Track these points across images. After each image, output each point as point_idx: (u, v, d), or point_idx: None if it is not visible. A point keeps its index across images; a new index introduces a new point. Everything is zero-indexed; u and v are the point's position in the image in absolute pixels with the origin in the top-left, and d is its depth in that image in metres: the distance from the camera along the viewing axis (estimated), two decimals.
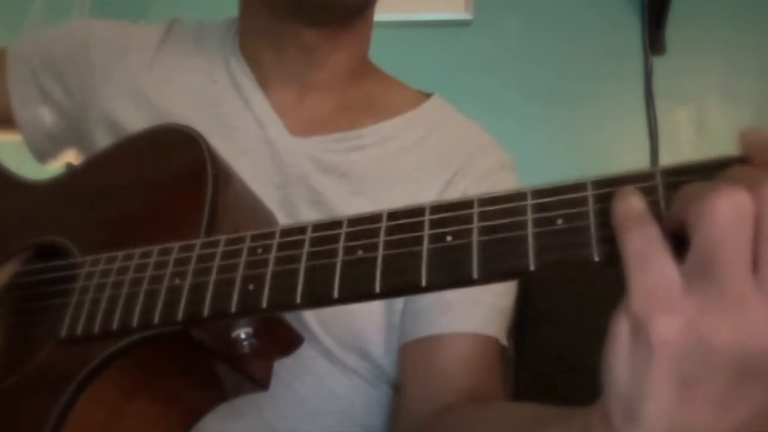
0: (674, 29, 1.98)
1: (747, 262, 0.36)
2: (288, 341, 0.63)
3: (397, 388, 0.77)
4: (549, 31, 2.02)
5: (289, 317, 0.63)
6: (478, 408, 0.69)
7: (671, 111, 1.97)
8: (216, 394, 0.62)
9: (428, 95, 0.89)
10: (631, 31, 2.01)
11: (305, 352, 0.70)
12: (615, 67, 1.99)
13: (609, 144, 1.96)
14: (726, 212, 0.35)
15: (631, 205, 0.39)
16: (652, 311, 0.37)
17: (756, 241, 0.36)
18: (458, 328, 0.74)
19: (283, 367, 0.67)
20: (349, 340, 0.74)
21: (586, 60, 1.99)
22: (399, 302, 0.76)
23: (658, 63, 1.98)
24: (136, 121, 0.79)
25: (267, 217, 0.68)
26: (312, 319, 0.72)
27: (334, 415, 0.75)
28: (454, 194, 0.78)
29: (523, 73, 1.99)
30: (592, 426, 0.42)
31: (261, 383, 0.61)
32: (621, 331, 0.39)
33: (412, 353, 0.76)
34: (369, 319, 0.75)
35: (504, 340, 0.78)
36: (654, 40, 1.99)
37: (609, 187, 0.42)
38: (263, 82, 0.83)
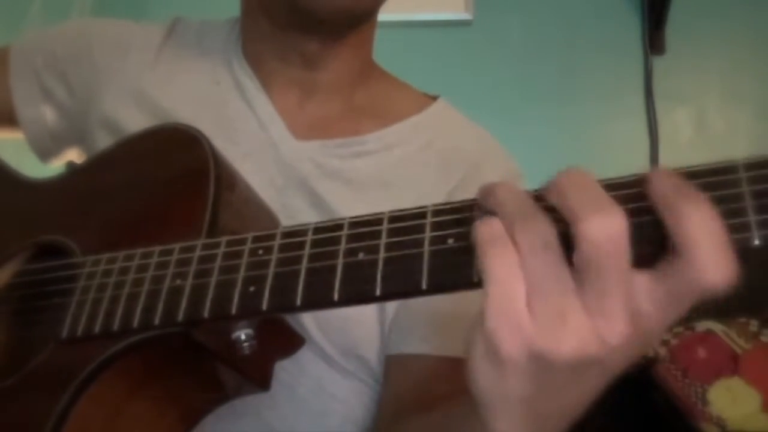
0: (674, 29, 1.98)
1: (568, 284, 0.40)
2: (289, 343, 0.63)
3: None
4: (549, 31, 2.02)
5: (289, 321, 0.63)
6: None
7: (671, 111, 1.97)
8: (216, 395, 0.62)
9: (434, 98, 0.89)
10: (631, 31, 2.02)
11: (305, 354, 0.70)
12: (615, 67, 1.99)
13: (609, 144, 1.96)
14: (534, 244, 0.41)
15: (492, 228, 0.42)
16: (501, 331, 0.41)
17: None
18: (444, 351, 0.74)
19: (282, 369, 0.67)
20: (347, 345, 0.74)
21: (586, 60, 1.99)
22: (390, 312, 0.75)
23: (658, 63, 1.99)
24: (137, 121, 0.79)
25: (269, 218, 0.68)
26: (311, 324, 0.72)
27: (333, 416, 0.75)
28: None
29: (523, 73, 1.99)
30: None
31: (262, 384, 0.61)
32: (477, 345, 0.43)
33: (395, 367, 0.75)
34: (365, 327, 0.75)
35: None
36: (654, 40, 1.99)
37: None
38: (266, 84, 0.83)
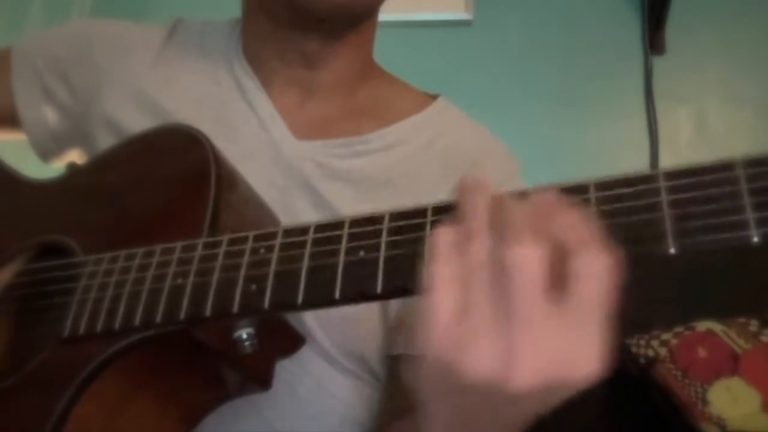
0: (674, 29, 1.98)
1: (497, 308, 0.41)
2: (290, 342, 0.64)
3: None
4: (549, 31, 2.02)
5: (290, 319, 0.63)
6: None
7: (671, 111, 1.97)
8: (218, 393, 0.62)
9: (434, 97, 0.89)
10: (631, 31, 2.02)
11: (306, 353, 0.70)
12: (615, 67, 1.99)
13: (609, 144, 1.96)
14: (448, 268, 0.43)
15: (445, 237, 0.44)
16: (425, 337, 0.43)
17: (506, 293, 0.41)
18: None
19: (283, 368, 0.67)
20: (349, 345, 0.74)
21: (586, 60, 1.99)
22: (394, 312, 0.75)
23: (658, 63, 1.99)
24: (138, 122, 0.79)
25: (270, 218, 0.68)
26: (313, 322, 0.72)
27: (334, 416, 0.75)
28: None
29: (523, 73, 1.99)
30: None
31: (263, 383, 0.61)
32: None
33: (395, 368, 0.75)
34: (367, 326, 0.75)
35: None
36: (654, 40, 1.99)
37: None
38: (267, 84, 0.83)
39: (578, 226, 0.42)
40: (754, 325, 1.48)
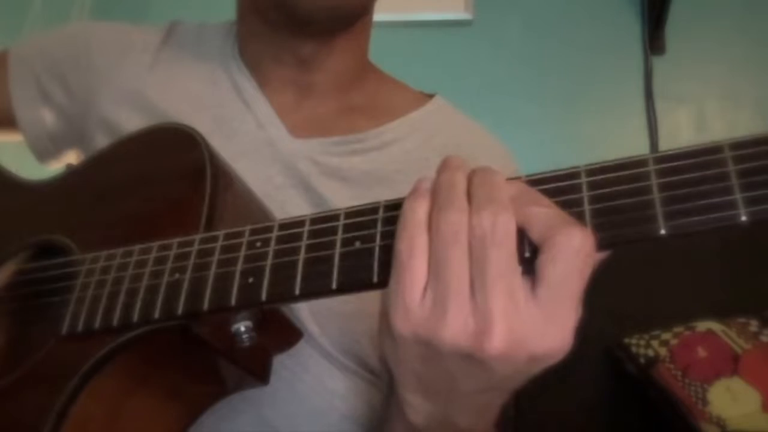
0: (674, 29, 1.99)
1: (465, 274, 0.42)
2: (287, 336, 0.64)
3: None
4: (549, 31, 2.02)
5: (288, 314, 0.63)
6: None
7: (671, 111, 1.97)
8: (216, 388, 0.63)
9: (430, 96, 0.89)
10: (631, 31, 2.02)
11: (305, 351, 0.71)
12: (615, 67, 1.99)
13: (609, 144, 1.96)
14: (446, 230, 0.43)
15: (414, 212, 0.45)
16: (395, 311, 0.44)
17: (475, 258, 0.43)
18: None
19: (282, 365, 0.67)
20: (347, 343, 0.74)
21: (586, 60, 1.99)
22: None
23: (658, 63, 1.99)
24: (135, 123, 0.79)
25: (266, 216, 0.68)
26: (311, 320, 0.72)
27: (334, 414, 0.75)
28: None
29: (523, 73, 2.00)
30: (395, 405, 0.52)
31: (261, 378, 0.61)
32: (382, 319, 0.46)
33: None
34: (366, 324, 0.75)
35: None
36: (654, 40, 1.99)
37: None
38: (263, 84, 0.83)
39: (551, 209, 0.43)
40: (754, 325, 1.48)
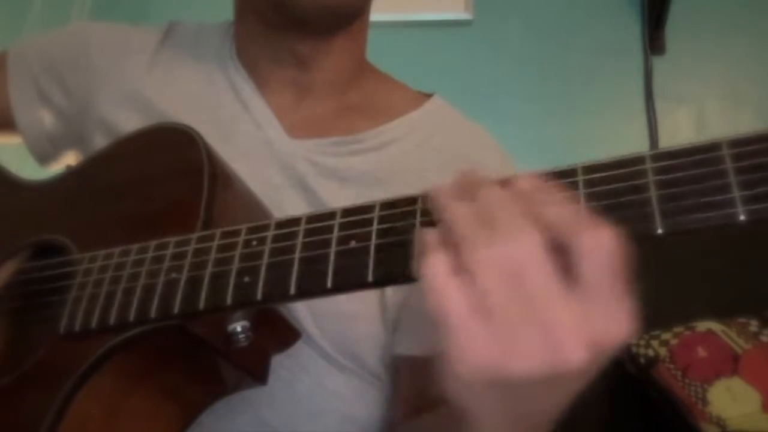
0: (674, 29, 1.99)
1: (518, 304, 0.41)
2: (285, 336, 0.64)
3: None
4: (549, 32, 2.02)
5: (285, 315, 0.63)
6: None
7: (671, 111, 1.97)
8: (214, 388, 0.63)
9: (428, 95, 0.89)
10: (631, 31, 2.02)
11: (303, 351, 0.71)
12: (615, 68, 1.99)
13: (609, 144, 1.96)
14: (488, 267, 0.41)
15: (431, 269, 0.43)
16: (460, 365, 0.42)
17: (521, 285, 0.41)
18: None
19: (281, 366, 0.67)
20: (345, 344, 0.74)
21: (586, 60, 1.99)
22: (394, 310, 0.75)
23: (658, 63, 1.99)
24: (133, 123, 0.79)
25: (265, 216, 0.68)
26: (309, 321, 0.72)
27: (333, 414, 0.74)
28: None
29: (523, 73, 2.00)
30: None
31: (259, 378, 0.61)
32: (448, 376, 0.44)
33: (401, 367, 0.75)
34: (365, 325, 0.75)
35: None
36: (654, 40, 1.99)
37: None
38: (261, 85, 0.83)
39: (568, 207, 0.42)
40: (754, 325, 1.48)
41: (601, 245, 0.40)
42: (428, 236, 0.44)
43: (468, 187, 0.45)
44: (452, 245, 0.43)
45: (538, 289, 0.41)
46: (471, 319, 0.42)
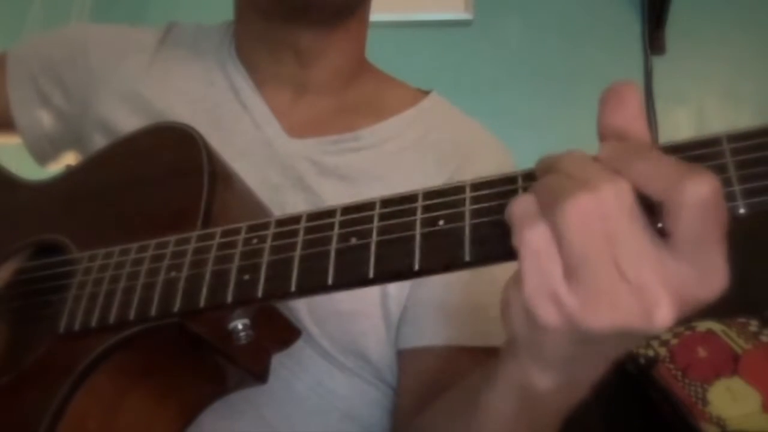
0: (674, 29, 1.99)
1: (609, 259, 0.40)
2: (285, 334, 0.64)
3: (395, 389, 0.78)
4: (549, 32, 2.02)
5: (285, 313, 0.63)
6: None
7: (671, 111, 1.97)
8: (215, 387, 0.62)
9: (426, 92, 0.89)
10: (631, 31, 2.02)
11: (303, 351, 0.71)
12: (615, 67, 1.99)
13: None
14: (575, 221, 0.40)
15: (528, 204, 0.42)
16: (540, 300, 0.41)
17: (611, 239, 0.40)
18: (457, 342, 0.74)
19: (281, 365, 0.67)
20: (346, 342, 0.74)
21: (586, 60, 1.99)
22: (397, 307, 0.76)
23: (658, 63, 1.99)
24: (133, 123, 0.79)
25: (266, 215, 0.68)
26: (309, 320, 0.72)
27: (333, 413, 0.75)
28: None
29: (523, 73, 2.00)
30: (512, 375, 0.50)
31: (259, 377, 0.61)
32: (515, 307, 0.44)
33: (409, 361, 0.76)
34: (365, 323, 0.75)
35: None
36: (654, 40, 1.99)
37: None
38: (260, 84, 0.84)
39: (664, 158, 0.41)
40: (754, 325, 1.48)
41: (701, 195, 0.38)
42: (516, 206, 0.43)
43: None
44: (546, 199, 0.42)
45: (633, 242, 0.39)
46: (555, 257, 0.41)
